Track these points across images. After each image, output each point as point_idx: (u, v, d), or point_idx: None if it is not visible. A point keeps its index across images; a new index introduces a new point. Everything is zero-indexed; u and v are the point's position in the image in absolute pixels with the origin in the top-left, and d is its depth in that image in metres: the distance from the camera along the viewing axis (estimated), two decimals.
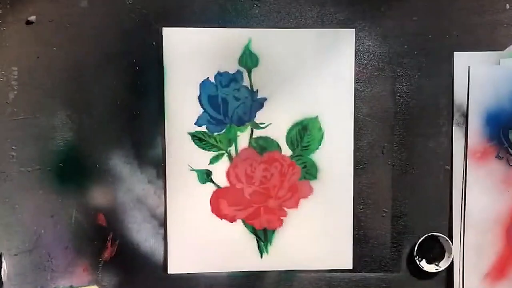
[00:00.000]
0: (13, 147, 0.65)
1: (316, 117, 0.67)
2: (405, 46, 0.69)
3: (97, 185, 0.66)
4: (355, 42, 0.67)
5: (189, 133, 0.66)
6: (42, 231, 0.65)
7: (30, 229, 0.65)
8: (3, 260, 0.64)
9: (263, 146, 0.67)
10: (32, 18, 0.64)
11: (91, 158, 0.66)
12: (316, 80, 0.67)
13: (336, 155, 0.68)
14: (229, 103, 0.66)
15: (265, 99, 0.67)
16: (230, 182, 0.67)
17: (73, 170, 0.66)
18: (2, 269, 0.64)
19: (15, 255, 0.65)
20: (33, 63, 0.64)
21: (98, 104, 0.65)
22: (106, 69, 0.65)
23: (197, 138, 0.66)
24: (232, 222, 0.68)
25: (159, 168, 0.66)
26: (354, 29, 0.67)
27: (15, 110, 0.64)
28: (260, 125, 0.67)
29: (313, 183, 0.68)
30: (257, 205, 0.68)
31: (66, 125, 0.65)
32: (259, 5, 0.66)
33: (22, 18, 0.64)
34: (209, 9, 0.66)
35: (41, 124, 0.65)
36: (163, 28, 0.65)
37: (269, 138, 0.67)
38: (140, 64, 0.66)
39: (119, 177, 0.66)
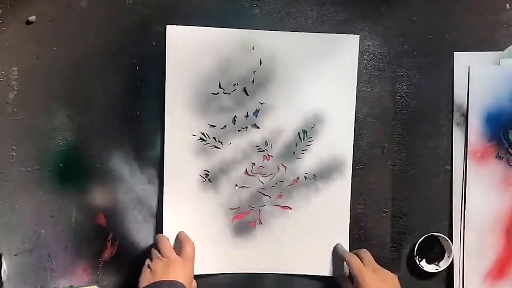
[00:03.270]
0: (13, 147, 0.65)
1: (317, 118, 0.67)
2: (405, 46, 0.69)
3: (97, 185, 0.66)
4: None
5: (189, 134, 0.66)
6: (42, 231, 0.65)
7: (30, 229, 0.65)
8: (3, 260, 0.64)
9: (264, 147, 0.67)
10: (32, 18, 0.64)
11: (91, 158, 0.66)
12: (316, 81, 0.67)
13: (336, 155, 0.68)
14: (230, 104, 0.66)
15: (266, 101, 0.66)
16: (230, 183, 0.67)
17: (73, 170, 0.65)
18: (2, 269, 0.64)
19: (15, 255, 0.65)
20: (33, 63, 0.64)
21: (98, 104, 0.65)
22: (106, 69, 0.65)
23: (197, 139, 0.66)
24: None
25: (159, 168, 0.66)
26: (358, 36, 0.67)
27: (15, 110, 0.64)
28: (261, 127, 0.67)
29: (313, 183, 0.68)
30: (256, 206, 0.68)
31: (66, 125, 0.65)
32: (259, 5, 0.66)
33: (22, 18, 0.64)
34: (209, 9, 0.66)
35: (41, 124, 0.65)
36: (167, 26, 0.64)
37: (270, 139, 0.67)
38: (140, 64, 0.66)
39: (119, 177, 0.66)
